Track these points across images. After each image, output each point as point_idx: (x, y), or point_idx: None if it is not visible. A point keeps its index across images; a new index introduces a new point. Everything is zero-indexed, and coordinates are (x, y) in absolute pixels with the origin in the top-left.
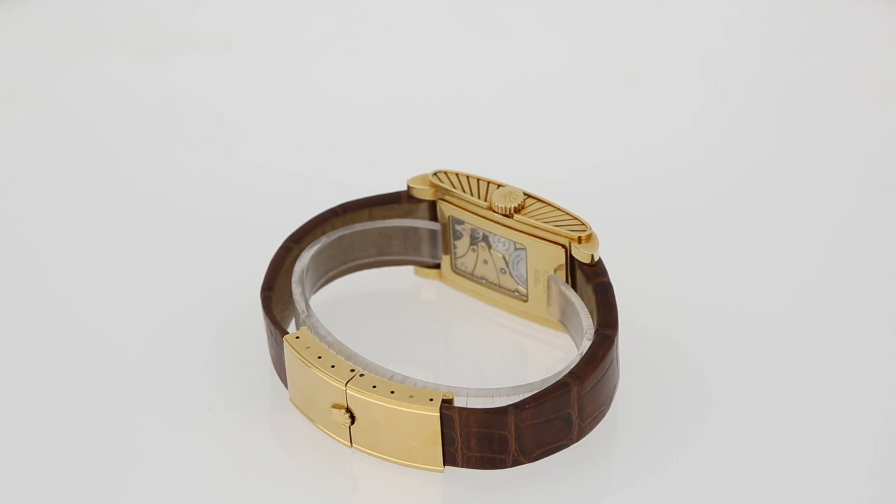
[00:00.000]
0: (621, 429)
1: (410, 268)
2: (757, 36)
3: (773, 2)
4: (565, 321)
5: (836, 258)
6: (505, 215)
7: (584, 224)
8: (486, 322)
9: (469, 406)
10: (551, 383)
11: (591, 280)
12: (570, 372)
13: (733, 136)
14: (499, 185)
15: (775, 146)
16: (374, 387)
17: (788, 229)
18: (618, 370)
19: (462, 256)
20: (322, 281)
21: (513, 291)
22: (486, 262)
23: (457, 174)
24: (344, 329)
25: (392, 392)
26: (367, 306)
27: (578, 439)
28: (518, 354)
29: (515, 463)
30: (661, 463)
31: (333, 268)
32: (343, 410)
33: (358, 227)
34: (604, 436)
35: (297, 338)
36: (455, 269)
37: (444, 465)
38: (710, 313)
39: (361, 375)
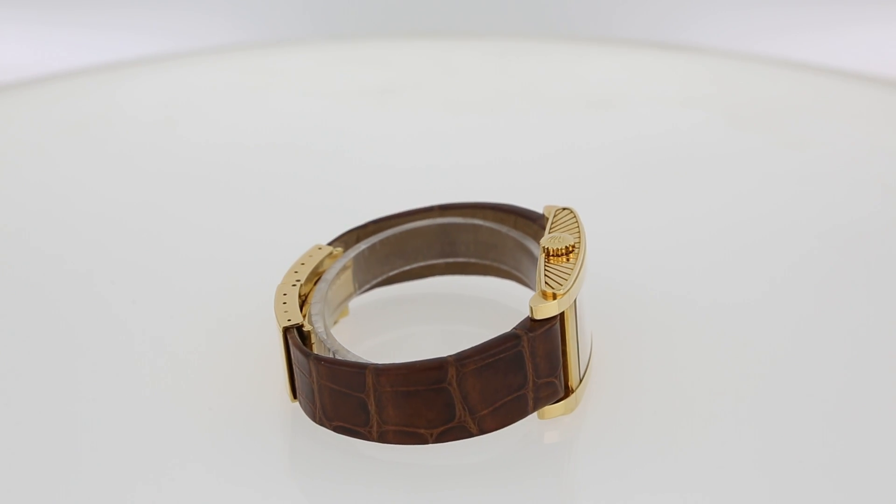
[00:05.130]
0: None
1: None
2: None
3: None
4: None
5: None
6: (545, 255)
7: (561, 286)
8: None
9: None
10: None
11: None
12: (380, 363)
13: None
14: (578, 233)
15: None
16: (285, 294)
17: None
18: (457, 409)
19: None
20: (452, 260)
21: None
22: None
23: (573, 214)
24: (432, 316)
25: (284, 303)
26: (479, 309)
27: (379, 441)
28: None
29: (321, 422)
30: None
31: (470, 256)
32: None
33: (504, 228)
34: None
35: (319, 249)
36: None
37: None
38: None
39: (293, 286)
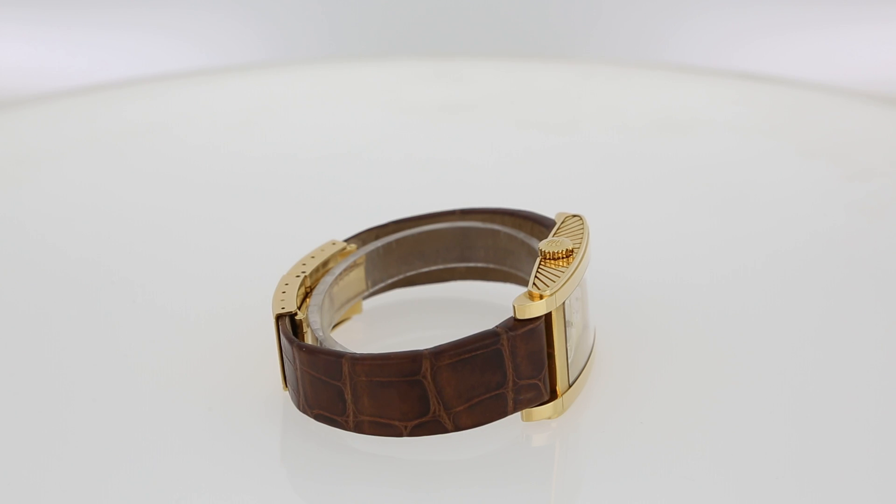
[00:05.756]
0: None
1: None
2: None
3: None
4: None
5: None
6: (541, 257)
7: (548, 287)
8: None
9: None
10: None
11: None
12: (357, 352)
13: None
14: (581, 239)
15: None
16: (287, 283)
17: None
18: (432, 403)
19: None
20: (472, 265)
21: None
22: None
23: (581, 221)
24: (447, 320)
25: (284, 292)
26: (495, 315)
27: (355, 431)
28: None
29: (304, 409)
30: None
31: (489, 261)
32: None
33: (520, 235)
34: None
35: (333, 244)
36: None
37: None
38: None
39: (297, 277)
